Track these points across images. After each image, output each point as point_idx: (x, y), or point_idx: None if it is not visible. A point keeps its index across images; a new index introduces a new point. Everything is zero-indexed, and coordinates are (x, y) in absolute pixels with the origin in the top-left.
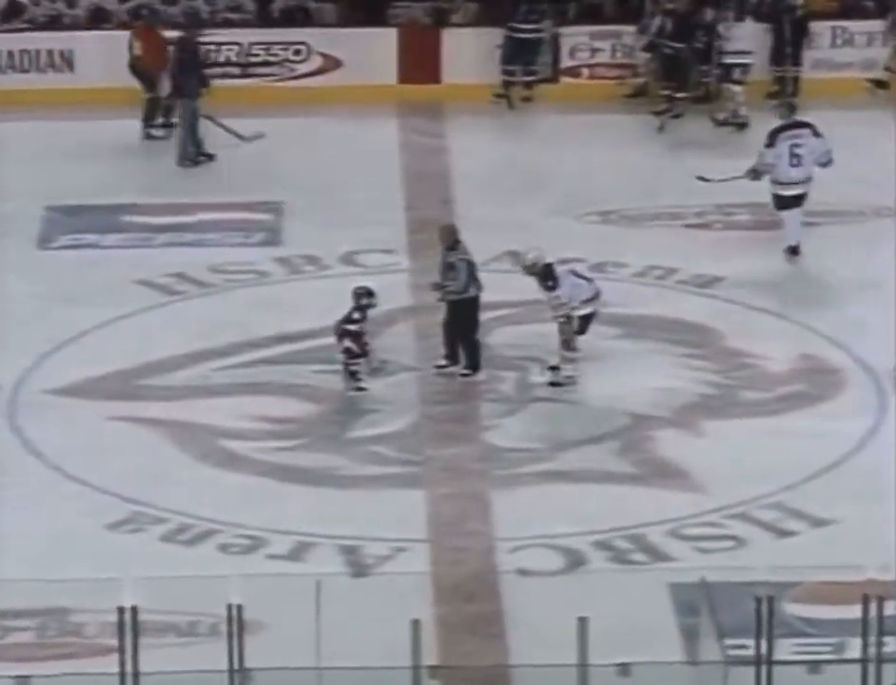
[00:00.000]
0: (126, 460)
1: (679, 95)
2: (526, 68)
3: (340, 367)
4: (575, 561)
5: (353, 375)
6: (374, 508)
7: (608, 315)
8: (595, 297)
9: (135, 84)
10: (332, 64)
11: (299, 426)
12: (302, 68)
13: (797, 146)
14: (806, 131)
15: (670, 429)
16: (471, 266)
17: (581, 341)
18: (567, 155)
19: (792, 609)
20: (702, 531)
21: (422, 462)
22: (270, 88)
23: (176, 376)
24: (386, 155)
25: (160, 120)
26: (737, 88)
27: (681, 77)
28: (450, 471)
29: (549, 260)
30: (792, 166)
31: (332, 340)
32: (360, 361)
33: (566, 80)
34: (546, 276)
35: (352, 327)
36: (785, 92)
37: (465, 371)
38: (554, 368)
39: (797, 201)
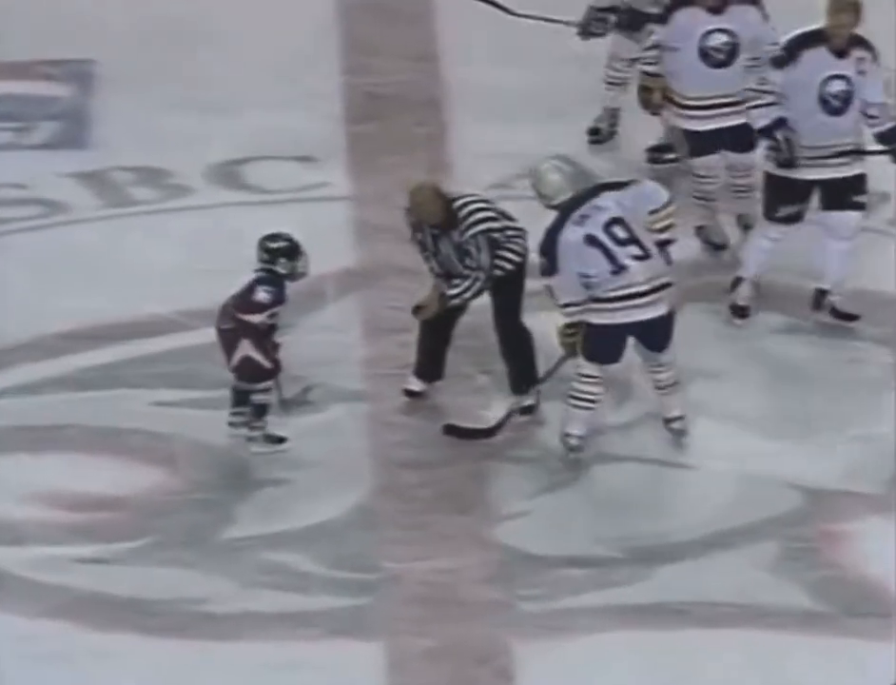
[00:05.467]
0: None
1: None
2: None
3: (217, 396)
4: None
5: (260, 414)
6: (281, 678)
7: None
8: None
9: None
10: None
11: (130, 516)
12: None
13: None
14: None
15: (875, 517)
16: (491, 234)
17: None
18: None
19: None
20: None
21: (377, 586)
22: None
23: None
24: None
25: None
26: None
27: None
28: (431, 604)
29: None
30: None
31: (203, 339)
32: (271, 384)
33: None
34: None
35: (256, 319)
36: None
37: (527, 403)
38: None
39: None
